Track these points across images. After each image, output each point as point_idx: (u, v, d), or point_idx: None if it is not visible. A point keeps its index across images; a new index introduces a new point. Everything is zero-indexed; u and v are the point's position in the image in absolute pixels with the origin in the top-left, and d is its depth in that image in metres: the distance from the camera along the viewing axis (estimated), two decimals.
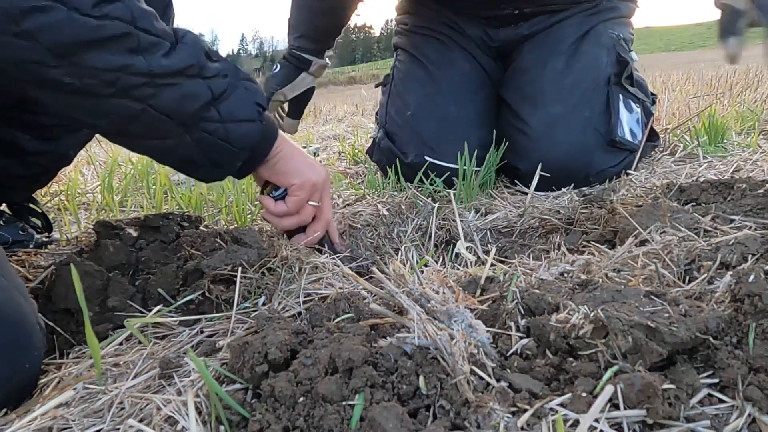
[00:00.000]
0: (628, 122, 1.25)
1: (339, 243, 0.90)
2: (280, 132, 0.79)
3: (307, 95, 1.54)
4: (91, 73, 0.58)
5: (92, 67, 0.58)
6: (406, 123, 1.34)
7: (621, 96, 1.26)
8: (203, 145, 0.68)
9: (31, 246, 0.91)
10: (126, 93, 0.60)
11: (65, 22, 0.55)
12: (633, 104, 1.28)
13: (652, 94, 1.42)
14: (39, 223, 0.99)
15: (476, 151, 1.24)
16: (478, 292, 0.61)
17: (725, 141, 1.51)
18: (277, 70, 1.53)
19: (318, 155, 1.97)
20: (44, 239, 0.96)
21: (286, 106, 1.53)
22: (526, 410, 0.41)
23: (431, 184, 1.24)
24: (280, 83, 1.49)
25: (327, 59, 1.54)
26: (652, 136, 1.38)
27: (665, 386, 0.40)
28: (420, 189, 1.24)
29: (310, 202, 0.81)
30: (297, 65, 1.51)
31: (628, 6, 1.42)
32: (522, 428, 0.40)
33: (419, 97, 1.36)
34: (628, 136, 1.24)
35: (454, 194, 1.17)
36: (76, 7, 0.55)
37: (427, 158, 1.27)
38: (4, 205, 0.96)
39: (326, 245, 0.87)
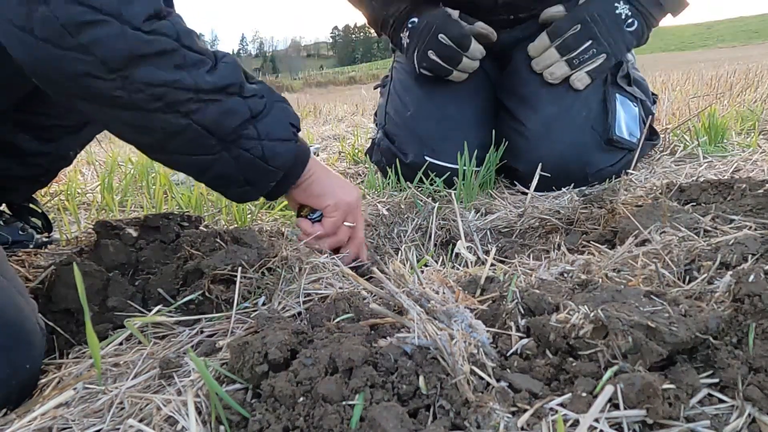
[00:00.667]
0: (626, 121, 1.25)
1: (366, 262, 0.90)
2: (313, 155, 0.80)
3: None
4: (140, 87, 0.60)
5: (142, 82, 0.59)
6: (406, 123, 1.34)
7: (618, 95, 1.26)
8: (241, 162, 0.70)
9: (31, 246, 0.91)
10: (171, 107, 0.62)
11: (119, 36, 0.56)
12: (631, 103, 1.28)
13: (653, 94, 1.42)
14: (39, 223, 0.99)
15: (476, 151, 1.25)
16: (478, 292, 0.61)
17: (725, 141, 1.51)
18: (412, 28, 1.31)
19: (318, 155, 1.97)
20: (44, 239, 0.95)
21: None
22: (526, 410, 0.41)
23: (431, 184, 1.24)
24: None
25: None
26: (652, 135, 1.38)
27: (665, 386, 0.40)
28: (420, 189, 1.24)
29: (346, 223, 0.82)
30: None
31: None
32: (522, 428, 0.40)
33: (418, 98, 1.36)
34: (626, 135, 1.24)
35: (454, 194, 1.17)
36: (129, 21, 0.57)
37: (426, 158, 1.27)
38: (3, 205, 0.96)
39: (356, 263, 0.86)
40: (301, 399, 0.41)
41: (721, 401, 0.41)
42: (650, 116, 1.33)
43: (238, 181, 0.72)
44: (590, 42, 1.20)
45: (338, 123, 3.20)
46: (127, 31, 0.57)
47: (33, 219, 0.98)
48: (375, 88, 1.60)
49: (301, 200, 0.82)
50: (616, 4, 1.20)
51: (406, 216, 1.12)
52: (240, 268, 0.65)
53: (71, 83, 0.59)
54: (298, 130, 0.75)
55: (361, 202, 0.84)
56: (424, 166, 1.26)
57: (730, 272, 0.54)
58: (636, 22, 1.21)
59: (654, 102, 1.41)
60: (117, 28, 0.56)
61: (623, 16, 1.21)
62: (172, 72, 0.60)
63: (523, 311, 0.54)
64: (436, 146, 1.28)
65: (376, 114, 1.55)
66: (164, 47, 0.59)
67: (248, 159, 0.69)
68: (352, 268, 0.83)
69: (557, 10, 1.27)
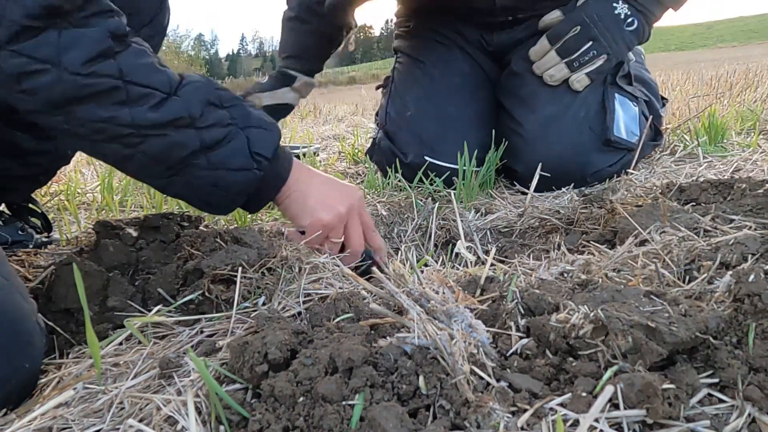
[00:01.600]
0: (624, 121, 1.25)
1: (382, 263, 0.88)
2: (295, 174, 0.80)
3: (284, 109, 1.56)
4: (82, 123, 0.64)
5: (82, 118, 0.64)
6: (406, 123, 1.35)
7: (617, 95, 1.26)
8: (193, 187, 0.72)
9: (31, 246, 0.91)
10: (114, 140, 0.66)
11: (56, 82, 0.61)
12: (630, 103, 1.28)
13: (663, 98, 1.43)
14: (38, 223, 0.98)
15: (476, 151, 1.25)
16: (478, 292, 0.61)
17: (725, 141, 1.51)
18: (265, 80, 1.57)
19: (318, 155, 1.97)
20: (44, 239, 0.95)
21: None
22: (526, 410, 0.41)
23: (431, 184, 1.24)
24: (260, 90, 1.52)
25: (315, 80, 1.60)
26: (656, 136, 1.38)
27: (665, 386, 0.40)
28: (420, 189, 1.24)
29: (331, 240, 0.82)
30: (282, 80, 1.56)
31: None
32: (522, 428, 0.40)
33: (419, 98, 1.36)
34: (625, 135, 1.24)
35: (454, 194, 1.17)
36: (67, 67, 0.61)
37: (426, 158, 1.27)
38: (3, 205, 0.96)
39: (368, 270, 0.84)
40: (301, 399, 0.41)
41: (721, 401, 0.41)
42: (652, 117, 1.33)
43: (197, 201, 0.75)
44: (590, 43, 1.20)
45: (338, 123, 3.21)
46: (65, 77, 0.61)
47: (32, 219, 0.98)
48: (377, 88, 1.61)
49: (284, 216, 0.83)
50: (614, 4, 1.20)
51: (406, 216, 1.12)
52: (240, 268, 0.65)
53: (29, 115, 0.65)
54: (266, 158, 0.74)
55: (353, 215, 0.84)
56: (424, 166, 1.26)
57: (730, 272, 0.54)
58: (636, 21, 1.21)
59: (663, 105, 1.41)
60: (55, 74, 0.61)
61: (622, 16, 1.20)
62: (111, 109, 0.64)
63: (523, 311, 0.54)
64: (436, 146, 1.28)
65: (377, 114, 1.56)
66: (103, 87, 0.63)
67: (200, 185, 0.72)
68: (351, 268, 0.83)
69: (555, 15, 1.27)
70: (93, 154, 0.72)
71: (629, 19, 1.21)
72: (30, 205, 0.99)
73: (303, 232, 0.82)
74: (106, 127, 0.64)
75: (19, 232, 0.92)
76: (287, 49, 1.58)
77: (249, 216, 1.10)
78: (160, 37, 0.90)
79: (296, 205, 0.81)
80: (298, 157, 1.80)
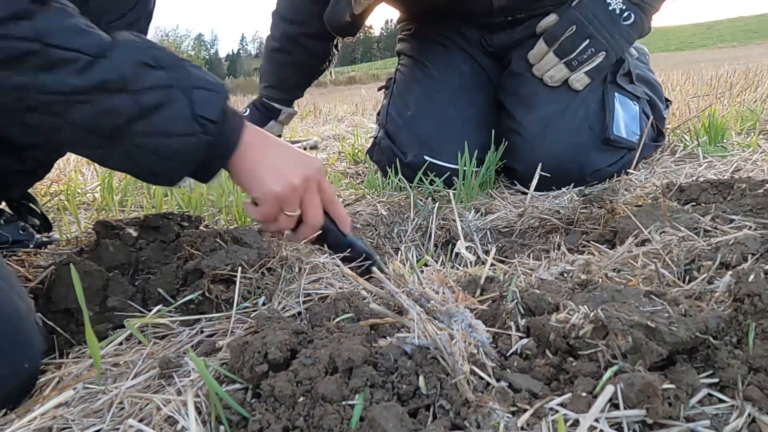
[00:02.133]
0: (624, 120, 1.25)
1: (349, 234, 0.84)
2: (248, 138, 0.74)
3: None
4: (0, 91, 0.58)
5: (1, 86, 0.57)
6: (407, 123, 1.35)
7: (617, 94, 1.26)
8: (135, 157, 0.66)
9: (31, 246, 0.91)
10: (38, 109, 0.60)
11: None
12: (630, 102, 1.27)
13: (667, 100, 1.43)
14: (38, 222, 0.98)
15: (476, 151, 1.25)
16: (478, 292, 0.61)
17: (725, 141, 1.51)
18: (247, 113, 1.62)
19: (317, 148, 1.96)
20: (44, 239, 0.95)
21: None
22: (526, 410, 0.41)
23: (431, 184, 1.24)
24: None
25: (296, 107, 1.68)
26: (658, 137, 1.38)
27: (665, 386, 0.40)
28: (420, 189, 1.24)
29: (286, 213, 0.77)
30: (266, 114, 1.63)
31: None
32: (522, 428, 0.40)
33: (420, 98, 1.36)
34: (625, 134, 1.24)
35: (454, 194, 1.17)
36: None
37: (426, 158, 1.27)
38: (3, 204, 0.96)
39: (329, 241, 0.83)
40: (301, 399, 0.41)
41: (721, 401, 0.41)
42: (653, 117, 1.33)
43: (142, 172, 0.69)
44: (587, 42, 1.20)
45: (338, 123, 3.21)
46: None
47: (32, 219, 0.98)
48: (379, 90, 1.61)
49: (237, 184, 0.77)
50: (608, 0, 1.20)
51: (406, 216, 1.12)
52: (240, 268, 0.65)
53: None
54: (213, 121, 0.68)
55: (310, 185, 0.78)
56: (424, 166, 1.26)
57: (730, 272, 0.54)
58: (633, 15, 1.20)
59: (667, 107, 1.41)
60: None
61: (617, 11, 1.20)
62: (29, 76, 0.58)
63: (523, 311, 0.54)
64: (436, 146, 1.29)
65: (378, 114, 1.56)
66: (18, 51, 0.56)
67: (141, 155, 0.65)
68: (351, 268, 0.83)
69: (551, 19, 1.28)
70: (20, 129, 0.65)
71: (625, 14, 1.20)
72: (30, 205, 0.98)
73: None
74: (27, 96, 0.58)
75: (20, 232, 0.92)
76: (269, 78, 1.64)
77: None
78: (145, 21, 0.86)
79: (246, 173, 0.74)
80: None
